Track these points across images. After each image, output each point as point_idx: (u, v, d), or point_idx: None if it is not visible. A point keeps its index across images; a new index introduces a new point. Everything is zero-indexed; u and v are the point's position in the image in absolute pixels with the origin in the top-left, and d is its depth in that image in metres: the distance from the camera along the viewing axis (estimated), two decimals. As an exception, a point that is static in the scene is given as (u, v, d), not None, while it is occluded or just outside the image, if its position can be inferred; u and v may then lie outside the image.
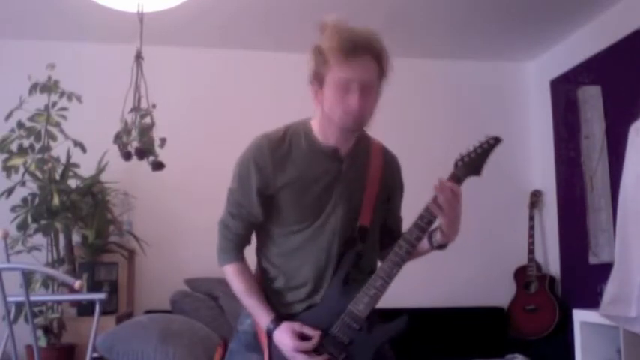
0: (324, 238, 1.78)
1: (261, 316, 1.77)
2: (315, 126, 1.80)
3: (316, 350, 1.72)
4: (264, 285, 1.85)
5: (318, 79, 1.71)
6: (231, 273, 1.83)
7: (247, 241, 1.88)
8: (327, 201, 1.78)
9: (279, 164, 1.76)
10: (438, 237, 1.79)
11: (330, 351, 1.72)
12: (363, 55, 1.67)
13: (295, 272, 1.80)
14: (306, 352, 1.69)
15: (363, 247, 1.81)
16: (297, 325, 1.73)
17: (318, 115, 1.78)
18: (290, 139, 1.79)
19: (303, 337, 1.72)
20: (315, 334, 1.71)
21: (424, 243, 1.82)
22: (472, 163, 1.73)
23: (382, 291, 1.72)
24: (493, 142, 1.74)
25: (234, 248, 1.84)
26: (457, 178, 1.72)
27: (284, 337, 1.71)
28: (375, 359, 1.74)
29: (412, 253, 1.75)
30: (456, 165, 1.74)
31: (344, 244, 1.79)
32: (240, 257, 1.85)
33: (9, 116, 3.33)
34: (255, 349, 1.80)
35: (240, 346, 1.86)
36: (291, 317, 1.78)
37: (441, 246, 1.82)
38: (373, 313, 1.75)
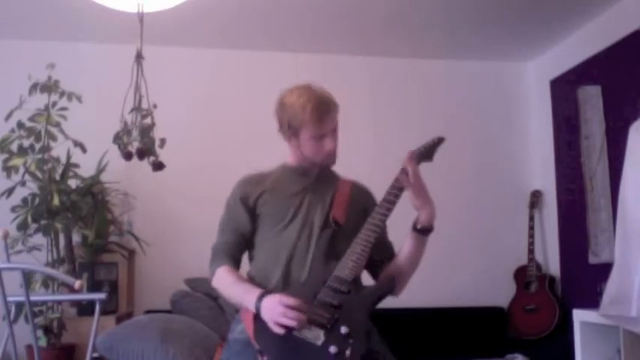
0: (303, 239, 1.92)
1: (249, 296, 1.81)
2: (288, 161, 2.09)
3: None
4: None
5: (292, 130, 1.98)
6: (220, 273, 1.94)
7: (237, 255, 2.01)
8: (300, 204, 1.98)
9: (257, 181, 2.06)
10: (417, 219, 1.91)
11: (321, 313, 1.74)
12: (331, 112, 1.98)
13: (277, 264, 1.90)
14: (287, 306, 1.71)
15: (337, 229, 1.92)
16: (284, 295, 1.77)
17: (291, 152, 2.07)
18: (269, 172, 2.10)
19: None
20: (299, 301, 1.75)
21: (409, 235, 1.92)
22: (424, 153, 1.98)
23: (364, 256, 1.82)
24: (437, 141, 2.01)
25: (223, 257, 1.98)
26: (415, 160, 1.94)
27: (271, 300, 1.75)
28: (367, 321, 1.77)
29: (386, 219, 1.87)
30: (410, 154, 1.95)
31: (320, 232, 1.93)
32: (229, 262, 1.97)
33: (9, 116, 3.32)
34: (245, 356, 1.80)
35: (230, 355, 1.88)
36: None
37: (425, 230, 1.90)
38: (360, 282, 1.86)
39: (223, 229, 2.05)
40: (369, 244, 1.83)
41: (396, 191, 1.89)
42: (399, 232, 2.05)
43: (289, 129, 1.99)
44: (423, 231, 1.90)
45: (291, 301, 1.71)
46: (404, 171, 1.89)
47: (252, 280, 1.95)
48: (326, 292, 1.77)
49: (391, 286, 1.82)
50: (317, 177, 2.06)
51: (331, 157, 2.02)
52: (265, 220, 1.99)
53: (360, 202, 2.05)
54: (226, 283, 1.91)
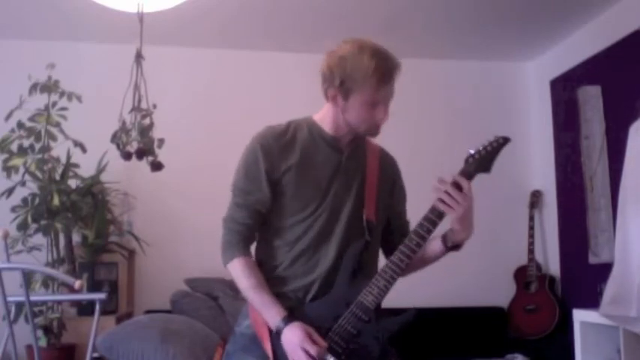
0: (327, 229, 1.80)
1: (271, 312, 1.73)
2: (318, 120, 1.85)
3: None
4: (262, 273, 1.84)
5: (343, 89, 1.75)
6: (238, 268, 1.78)
7: (253, 236, 1.85)
8: (327, 190, 1.81)
9: (283, 149, 1.81)
10: (450, 236, 1.80)
11: (338, 341, 1.72)
12: (395, 76, 1.78)
13: (296, 263, 1.80)
14: (308, 353, 1.66)
15: (370, 240, 1.82)
16: (310, 329, 1.70)
17: (326, 111, 1.82)
18: (293, 130, 1.85)
19: (311, 340, 1.69)
20: (323, 344, 1.69)
21: (438, 245, 1.83)
22: (482, 160, 1.76)
23: (391, 283, 1.74)
24: (502, 141, 1.78)
25: (241, 241, 1.81)
26: (468, 173, 1.76)
27: (295, 333, 1.68)
28: (380, 353, 1.74)
29: (422, 246, 1.75)
30: (466, 161, 1.77)
31: (350, 236, 1.80)
32: (247, 252, 1.81)
33: (9, 116, 3.32)
34: (251, 352, 1.78)
35: (237, 348, 1.84)
36: (293, 308, 1.76)
37: (455, 246, 1.82)
38: (379, 306, 1.76)
39: (241, 204, 1.80)
40: (399, 271, 1.73)
41: (434, 217, 1.73)
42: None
43: (340, 87, 1.73)
44: (452, 248, 1.83)
45: (313, 350, 1.66)
46: (452, 187, 1.70)
47: (263, 264, 1.85)
48: (347, 318, 1.73)
49: (411, 321, 1.75)
50: (350, 153, 1.84)
51: (377, 128, 1.81)
52: (286, 203, 1.80)
53: (388, 182, 1.92)
54: (244, 285, 1.77)
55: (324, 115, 1.83)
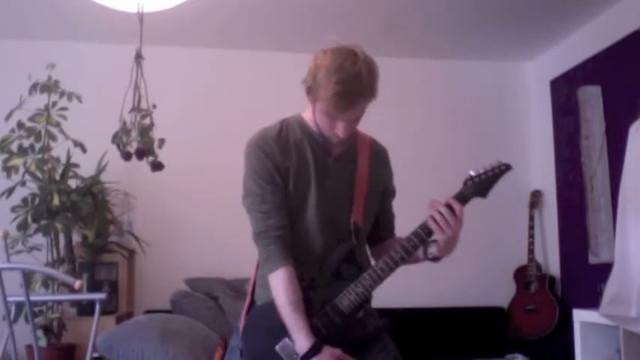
0: (318, 232, 1.81)
1: (300, 337, 1.69)
2: (307, 117, 1.86)
3: None
4: (257, 272, 1.86)
5: (311, 94, 1.75)
6: (280, 280, 1.73)
7: (288, 238, 1.80)
8: (319, 192, 1.81)
9: (283, 150, 1.82)
10: (433, 250, 1.80)
11: None
12: (358, 104, 1.73)
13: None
14: None
15: (357, 242, 1.83)
16: (338, 352, 1.68)
17: (311, 108, 1.82)
18: (286, 131, 1.86)
19: None
20: None
21: (419, 252, 1.83)
22: (481, 184, 1.77)
23: (369, 291, 1.75)
24: (504, 168, 1.78)
25: (283, 249, 1.76)
26: (464, 196, 1.76)
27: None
28: (377, 352, 1.76)
29: (406, 260, 1.76)
30: (465, 183, 1.77)
31: (336, 238, 1.82)
32: (289, 260, 1.75)
33: (9, 116, 3.32)
34: None
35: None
36: None
37: (435, 259, 1.82)
38: (357, 309, 1.77)
39: (267, 211, 1.77)
40: (379, 281, 1.74)
41: (424, 234, 1.74)
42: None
43: (309, 92, 1.75)
44: (431, 259, 1.83)
45: None
46: (446, 208, 1.69)
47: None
48: (320, 318, 1.74)
49: (383, 331, 1.77)
50: (340, 152, 1.84)
51: (337, 139, 1.78)
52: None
53: (377, 182, 1.91)
54: (280, 300, 1.72)
55: (310, 112, 1.82)
